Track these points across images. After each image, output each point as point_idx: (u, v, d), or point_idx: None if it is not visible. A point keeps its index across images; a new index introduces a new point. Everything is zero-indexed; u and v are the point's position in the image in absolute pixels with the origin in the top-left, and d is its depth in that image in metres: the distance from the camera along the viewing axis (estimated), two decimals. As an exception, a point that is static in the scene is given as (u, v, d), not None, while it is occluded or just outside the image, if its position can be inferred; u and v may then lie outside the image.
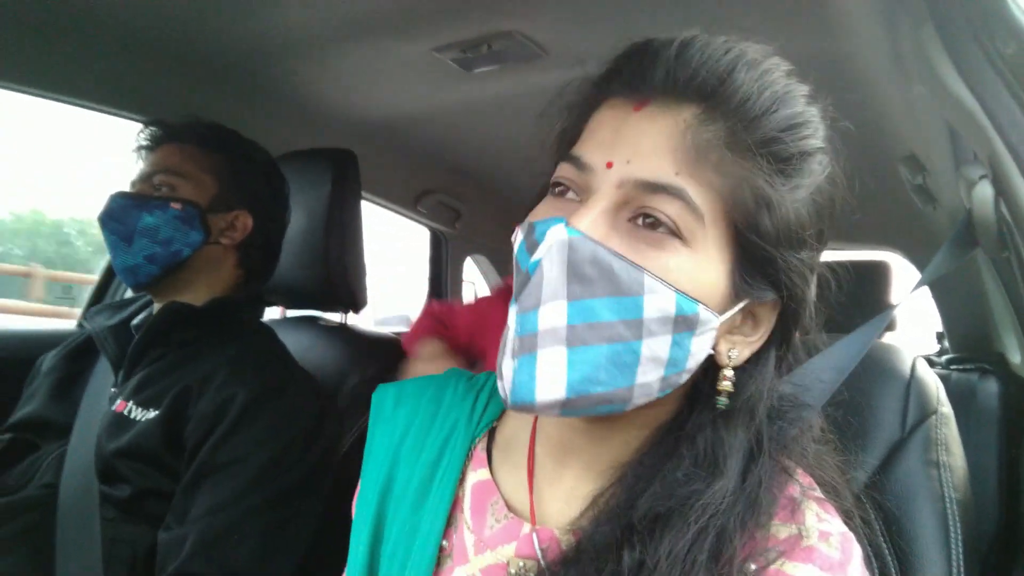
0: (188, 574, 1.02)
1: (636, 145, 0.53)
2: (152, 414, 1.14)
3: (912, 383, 0.79)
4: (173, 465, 1.12)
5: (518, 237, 0.58)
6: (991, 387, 1.55)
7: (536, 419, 0.68)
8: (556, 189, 0.59)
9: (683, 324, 0.53)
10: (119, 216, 1.19)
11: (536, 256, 0.52)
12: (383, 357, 1.50)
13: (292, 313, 1.72)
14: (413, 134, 1.95)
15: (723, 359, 0.58)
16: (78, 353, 1.39)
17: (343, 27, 1.32)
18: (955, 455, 0.76)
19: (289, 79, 1.60)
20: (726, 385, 0.57)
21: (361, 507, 0.72)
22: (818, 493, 0.60)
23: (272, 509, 1.09)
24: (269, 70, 1.55)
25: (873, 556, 0.71)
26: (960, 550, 0.70)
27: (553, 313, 0.52)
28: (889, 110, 1.32)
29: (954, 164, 1.03)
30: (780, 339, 0.60)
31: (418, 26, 1.30)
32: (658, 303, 0.51)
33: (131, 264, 1.20)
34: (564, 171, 0.58)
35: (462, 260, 2.71)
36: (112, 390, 1.25)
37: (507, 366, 0.54)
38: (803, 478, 0.61)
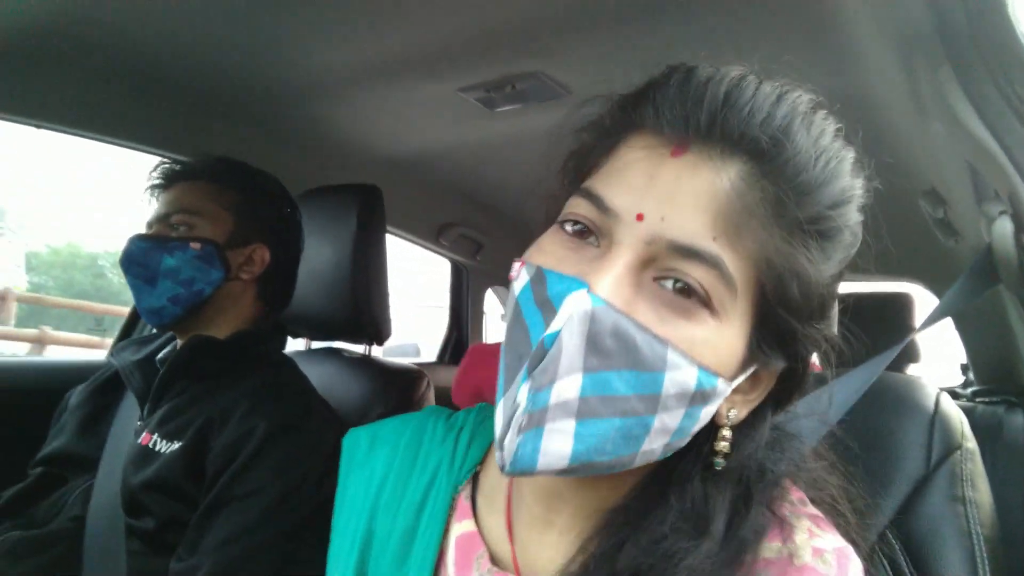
0: None
1: (672, 199, 0.49)
2: (176, 446, 1.15)
3: (936, 418, 0.79)
4: (195, 497, 1.13)
5: (521, 276, 0.54)
6: (1018, 420, 1.53)
7: None
8: (569, 226, 0.54)
9: (700, 398, 0.50)
10: (140, 259, 1.22)
11: (554, 327, 0.47)
12: (406, 388, 1.51)
13: (316, 345, 1.74)
14: (436, 169, 1.99)
15: (723, 419, 0.55)
16: (105, 388, 1.40)
17: (369, 68, 1.36)
18: (981, 491, 0.76)
19: (315, 117, 1.64)
20: (723, 446, 0.55)
21: (336, 564, 0.69)
22: (811, 509, 0.58)
23: (286, 542, 1.09)
24: (296, 109, 1.59)
25: (901, 594, 0.70)
26: None
27: (567, 387, 0.48)
28: (908, 145, 1.33)
29: (975, 198, 1.03)
30: (777, 400, 0.58)
31: (444, 67, 1.33)
32: (679, 378, 0.48)
33: (156, 306, 1.22)
34: (582, 208, 0.53)
35: (483, 292, 2.73)
36: (138, 424, 1.27)
37: (510, 440, 0.49)
38: (794, 493, 0.59)
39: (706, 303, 0.49)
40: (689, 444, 0.55)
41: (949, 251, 1.62)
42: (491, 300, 2.81)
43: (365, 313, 1.51)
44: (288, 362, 1.37)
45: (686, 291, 0.49)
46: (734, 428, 0.56)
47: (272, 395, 1.21)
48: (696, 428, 0.53)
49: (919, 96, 0.98)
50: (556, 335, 0.47)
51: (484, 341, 2.79)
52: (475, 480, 0.68)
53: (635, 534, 0.54)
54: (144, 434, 1.21)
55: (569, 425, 0.48)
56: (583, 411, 0.48)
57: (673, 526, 0.53)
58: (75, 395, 1.42)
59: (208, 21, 1.21)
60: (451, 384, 2.53)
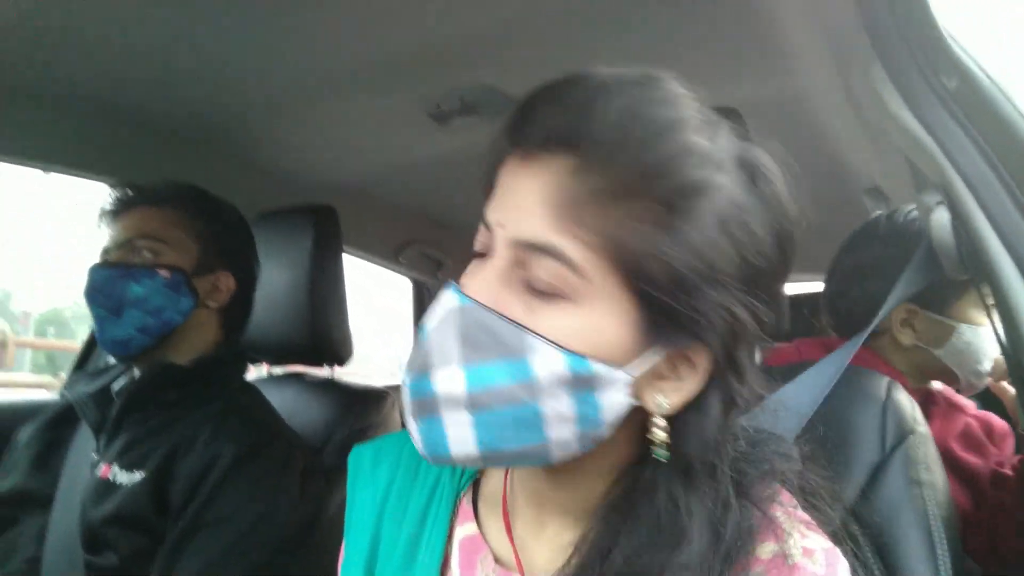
0: None
1: (519, 203, 0.53)
2: (138, 476, 1.12)
3: (888, 404, 0.80)
4: (160, 528, 1.10)
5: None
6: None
7: (508, 470, 0.67)
8: (476, 251, 0.57)
9: (580, 383, 0.51)
10: (105, 288, 1.18)
11: (428, 324, 0.53)
12: (371, 409, 1.49)
13: (277, 370, 1.72)
14: (391, 187, 1.98)
15: (651, 408, 0.54)
16: (57, 422, 1.36)
17: (314, 86, 1.35)
18: (935, 473, 0.77)
19: (264, 139, 1.62)
20: (658, 434, 0.54)
21: (347, 572, 0.70)
22: (801, 513, 0.59)
23: (267, 568, 1.07)
24: (243, 131, 1.57)
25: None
26: (948, 566, 0.71)
27: (450, 379, 0.52)
28: (850, 144, 1.37)
29: (915, 191, 1.06)
30: (720, 382, 0.55)
31: (392, 82, 1.33)
32: (546, 363, 0.50)
33: (122, 337, 1.18)
34: (480, 233, 0.57)
35: (445, 309, 2.71)
36: (94, 456, 1.23)
37: (412, 427, 0.54)
38: (784, 497, 0.59)
39: (560, 292, 0.51)
40: (632, 438, 0.56)
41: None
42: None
43: (324, 336, 1.50)
44: (250, 387, 1.35)
45: (544, 283, 0.52)
46: (675, 418, 0.55)
47: (237, 419, 1.19)
48: (607, 416, 0.53)
49: (854, 94, 1.02)
50: (427, 329, 0.53)
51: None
52: (476, 486, 0.70)
53: (619, 540, 0.54)
54: (102, 467, 1.18)
55: (465, 417, 0.52)
56: (474, 404, 0.51)
57: (650, 537, 0.53)
58: (24, 432, 1.37)
59: (145, 39, 1.18)
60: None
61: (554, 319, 0.51)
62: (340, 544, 0.74)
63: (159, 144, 1.57)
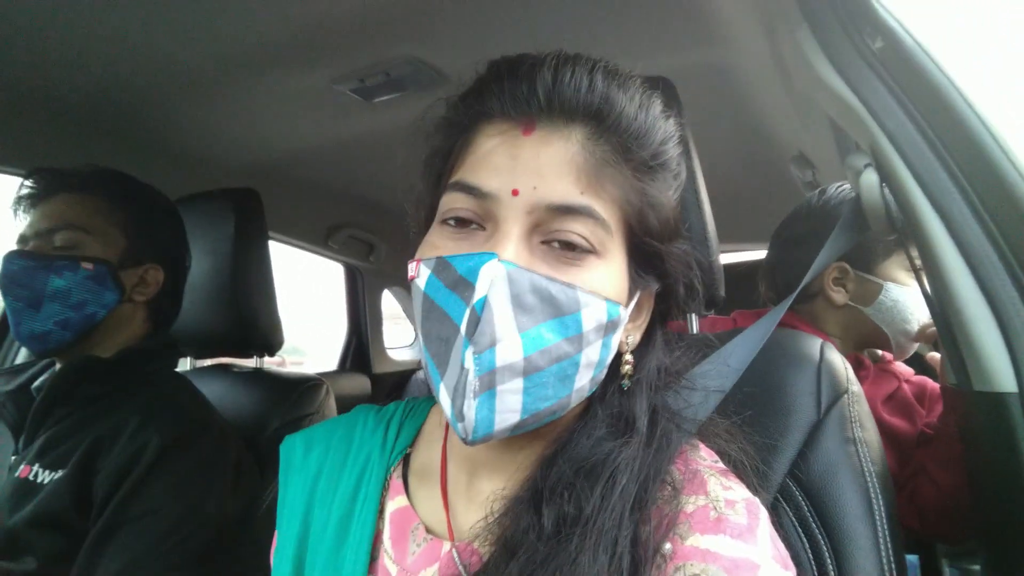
0: None
1: (538, 170, 0.56)
2: (60, 473, 1.06)
3: (822, 366, 0.81)
4: (82, 529, 1.03)
5: (421, 272, 0.59)
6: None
7: (446, 439, 0.70)
8: (451, 220, 0.59)
9: (611, 327, 0.58)
10: (23, 280, 1.10)
11: (480, 294, 0.53)
12: (305, 399, 1.44)
13: (204, 362, 1.64)
14: (317, 169, 1.92)
15: (624, 346, 0.64)
16: None
17: (232, 63, 1.29)
18: (869, 430, 0.79)
19: (180, 121, 1.54)
20: (627, 369, 0.64)
21: (279, 559, 0.71)
22: (720, 465, 0.64)
23: (189, 569, 1.02)
24: (156, 114, 1.48)
25: (803, 534, 0.72)
26: (884, 520, 0.72)
27: (509, 349, 0.53)
28: (775, 113, 1.39)
29: (840, 157, 1.08)
30: (661, 318, 0.68)
31: (313, 57, 1.28)
32: (593, 314, 0.56)
33: (40, 331, 1.11)
34: (460, 202, 0.58)
35: (379, 293, 2.67)
36: (12, 458, 1.16)
37: (468, 407, 0.54)
38: (705, 451, 0.65)
39: (591, 249, 0.57)
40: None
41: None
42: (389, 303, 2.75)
43: (251, 324, 1.44)
44: (181, 378, 1.30)
45: (571, 245, 0.56)
46: (634, 352, 0.65)
47: (165, 410, 1.13)
48: (610, 357, 0.61)
49: (781, 59, 1.02)
50: (484, 300, 0.53)
51: (385, 345, 2.73)
52: (406, 461, 0.72)
53: (566, 451, 0.60)
54: (22, 467, 1.11)
55: (518, 384, 0.55)
56: (528, 368, 0.54)
57: (606, 432, 0.61)
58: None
59: (50, 20, 1.09)
60: (356, 392, 2.44)
61: (587, 273, 0.56)
62: (274, 535, 0.73)
63: (67, 132, 1.47)
